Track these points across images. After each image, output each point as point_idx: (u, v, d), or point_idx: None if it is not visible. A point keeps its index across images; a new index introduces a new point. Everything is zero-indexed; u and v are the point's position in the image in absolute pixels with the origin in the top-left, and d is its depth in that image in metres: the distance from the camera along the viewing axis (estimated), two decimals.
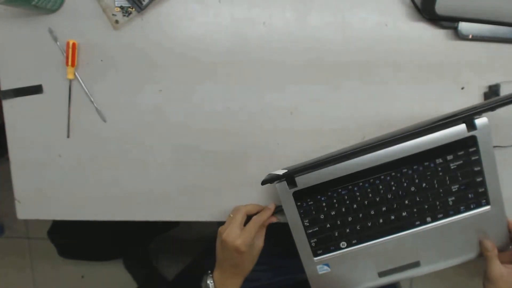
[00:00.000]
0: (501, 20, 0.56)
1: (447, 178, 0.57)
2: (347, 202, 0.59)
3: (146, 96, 0.64)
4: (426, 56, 0.60)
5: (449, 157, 0.56)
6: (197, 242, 1.37)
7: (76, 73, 0.64)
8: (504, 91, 0.60)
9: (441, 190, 0.57)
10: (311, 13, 0.60)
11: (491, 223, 0.58)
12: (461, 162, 0.56)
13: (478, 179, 0.56)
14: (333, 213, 0.60)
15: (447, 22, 0.57)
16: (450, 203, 0.58)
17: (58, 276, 1.53)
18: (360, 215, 0.59)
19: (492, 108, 0.50)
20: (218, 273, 0.61)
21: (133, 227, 1.06)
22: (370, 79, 0.61)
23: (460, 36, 0.58)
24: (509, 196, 0.57)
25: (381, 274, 0.61)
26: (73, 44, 0.62)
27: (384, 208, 0.59)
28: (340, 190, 0.59)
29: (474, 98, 0.61)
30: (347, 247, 0.61)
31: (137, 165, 0.66)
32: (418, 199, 0.58)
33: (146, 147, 0.66)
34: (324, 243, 0.61)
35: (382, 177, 0.58)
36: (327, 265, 0.61)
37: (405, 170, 0.57)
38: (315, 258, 0.62)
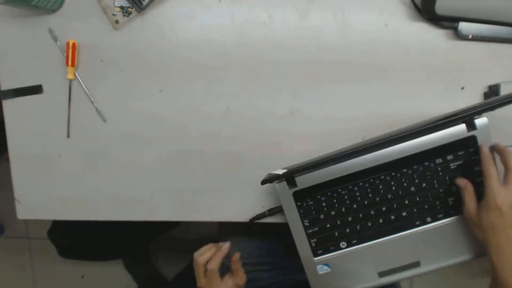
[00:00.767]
0: (501, 20, 0.56)
1: (447, 178, 0.57)
2: (347, 202, 0.59)
3: (146, 96, 0.64)
4: (426, 56, 0.60)
5: (449, 157, 0.56)
6: (197, 242, 1.37)
7: (76, 73, 0.64)
8: (504, 91, 0.60)
9: (441, 190, 0.57)
10: (311, 13, 0.60)
11: None
12: (461, 162, 0.56)
13: (478, 179, 0.56)
14: (333, 213, 0.60)
15: (447, 22, 0.57)
16: (450, 203, 0.58)
17: (58, 276, 1.53)
18: (360, 215, 0.59)
19: (492, 108, 0.50)
20: None
21: (133, 227, 1.06)
22: (370, 79, 0.61)
23: (460, 36, 0.58)
24: None
25: (381, 274, 0.61)
26: (73, 44, 0.62)
27: (384, 208, 0.59)
28: (340, 190, 0.59)
29: (474, 98, 0.61)
30: (347, 247, 0.61)
31: (137, 165, 0.66)
32: (418, 199, 0.58)
33: (146, 147, 0.66)
34: (324, 243, 0.61)
35: (382, 177, 0.58)
36: (327, 265, 0.61)
37: (405, 170, 0.57)
38: (315, 258, 0.62)
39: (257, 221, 0.65)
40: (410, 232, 0.59)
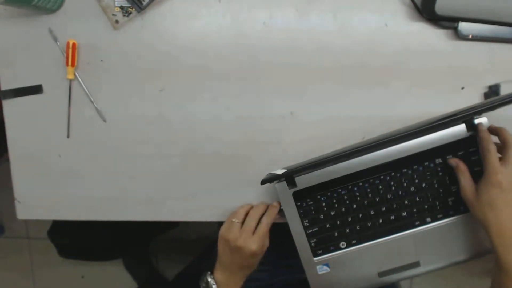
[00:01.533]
0: (501, 20, 0.56)
1: (447, 178, 0.57)
2: (347, 202, 0.59)
3: (146, 96, 0.64)
4: (426, 56, 0.60)
5: (449, 157, 0.56)
6: (197, 242, 1.37)
7: (76, 73, 0.64)
8: (504, 91, 0.60)
9: (441, 190, 0.57)
10: (311, 13, 0.60)
11: None
12: None
13: (477, 179, 0.56)
14: (332, 213, 0.60)
15: (447, 22, 0.57)
16: (450, 203, 0.58)
17: (58, 276, 1.53)
18: (360, 215, 0.59)
19: (492, 108, 0.50)
20: (221, 273, 0.61)
21: (133, 227, 1.06)
22: (370, 78, 0.61)
23: (460, 36, 0.58)
24: None
25: (381, 274, 0.61)
26: (73, 44, 0.62)
27: (384, 208, 0.59)
28: (340, 190, 0.59)
29: (474, 98, 0.61)
30: (347, 247, 0.61)
31: (137, 165, 0.66)
32: (417, 199, 0.58)
33: (146, 147, 0.66)
34: (324, 243, 0.61)
35: (382, 177, 0.58)
36: (327, 265, 0.61)
37: (405, 170, 0.57)
38: (315, 258, 0.61)
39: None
40: (410, 232, 0.59)
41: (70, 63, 0.62)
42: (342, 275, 0.62)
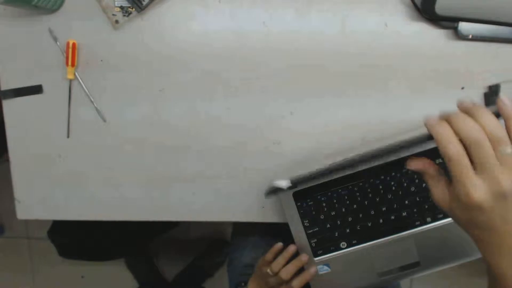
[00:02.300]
0: (501, 20, 0.56)
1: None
2: (347, 202, 0.59)
3: (146, 96, 0.64)
4: (426, 56, 0.60)
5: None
6: (197, 242, 1.37)
7: (76, 73, 0.64)
8: (504, 91, 0.60)
9: None
10: (311, 13, 0.60)
11: None
12: None
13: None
14: (333, 213, 0.60)
15: (447, 22, 0.57)
16: None
17: (58, 276, 1.53)
18: (360, 215, 0.59)
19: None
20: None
21: (133, 227, 1.06)
22: (369, 79, 0.61)
23: (460, 36, 0.58)
24: None
25: (381, 274, 0.61)
26: (73, 44, 0.62)
27: (384, 208, 0.59)
28: (340, 190, 0.59)
29: (474, 98, 0.61)
30: (347, 247, 0.61)
31: (136, 165, 0.66)
32: (418, 199, 0.58)
33: (146, 147, 0.66)
34: (324, 243, 0.61)
35: (382, 177, 0.58)
36: (327, 265, 0.62)
37: (405, 170, 0.57)
38: (315, 259, 0.62)
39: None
40: (410, 232, 0.59)
41: (70, 63, 0.62)
42: (342, 275, 0.62)
